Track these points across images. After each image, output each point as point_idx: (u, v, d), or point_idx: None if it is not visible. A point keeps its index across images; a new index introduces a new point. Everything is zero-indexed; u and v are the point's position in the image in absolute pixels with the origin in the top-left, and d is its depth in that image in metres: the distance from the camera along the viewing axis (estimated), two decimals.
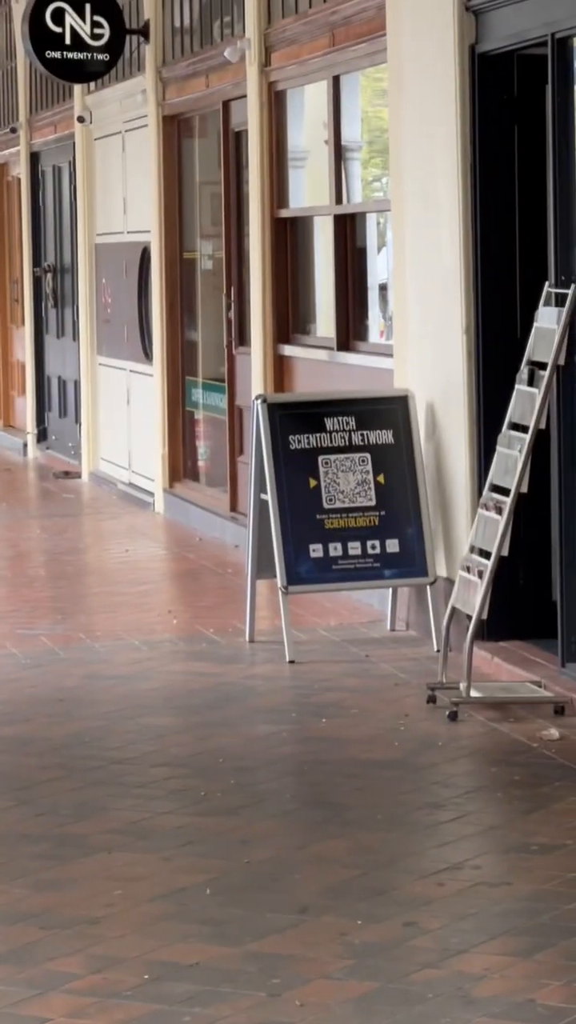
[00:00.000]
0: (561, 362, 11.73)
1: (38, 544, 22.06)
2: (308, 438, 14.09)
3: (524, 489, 11.91)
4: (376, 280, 15.93)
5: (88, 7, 19.92)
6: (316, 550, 13.94)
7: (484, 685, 12.12)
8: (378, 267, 15.95)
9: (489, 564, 11.95)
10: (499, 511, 11.96)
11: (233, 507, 18.68)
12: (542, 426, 11.91)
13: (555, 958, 6.90)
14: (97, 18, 19.77)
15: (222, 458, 19.59)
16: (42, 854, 8.83)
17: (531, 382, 12.08)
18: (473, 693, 11.70)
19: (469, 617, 12.00)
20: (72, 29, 19.51)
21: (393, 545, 13.94)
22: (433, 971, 6.68)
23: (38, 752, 11.38)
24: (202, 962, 6.89)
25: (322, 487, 13.86)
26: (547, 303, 12.04)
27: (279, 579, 13.75)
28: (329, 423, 14.13)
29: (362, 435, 14.07)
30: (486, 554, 12.09)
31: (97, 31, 19.83)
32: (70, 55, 19.82)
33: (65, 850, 8.92)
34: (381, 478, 13.92)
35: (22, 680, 13.59)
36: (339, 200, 16.66)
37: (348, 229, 16.53)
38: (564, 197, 12.25)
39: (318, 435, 14.09)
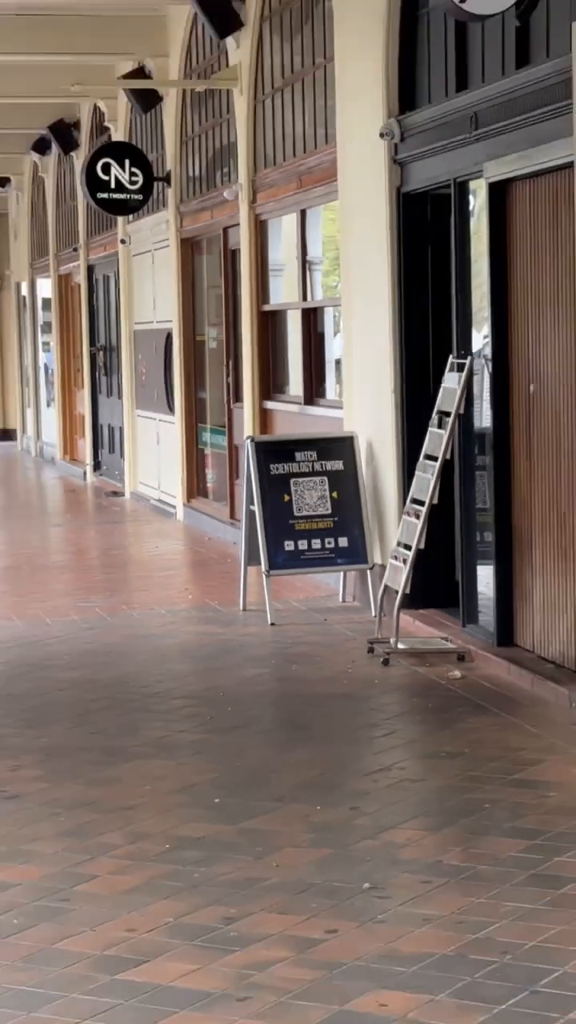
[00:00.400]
0: (461, 412, 11.74)
1: (93, 543, 22.16)
2: (283, 466, 14.10)
3: (435, 501, 11.91)
4: (332, 355, 16.05)
5: (127, 161, 20.37)
6: (289, 545, 13.95)
7: (407, 640, 12.19)
8: (333, 346, 16.06)
9: (410, 554, 12.03)
10: (417, 517, 12.02)
11: (231, 515, 18.83)
12: (448, 457, 11.85)
13: (457, 832, 7.47)
14: (134, 169, 20.24)
15: (223, 481, 19.84)
16: (94, 761, 9.15)
17: (439, 426, 12.00)
18: (400, 646, 11.88)
19: (396, 592, 12.16)
20: (116, 177, 20.08)
21: (343, 541, 14.01)
22: (370, 841, 7.24)
23: (92, 689, 11.53)
24: (207, 836, 7.34)
25: (293, 501, 13.91)
26: (451, 370, 12.00)
27: (263, 566, 13.78)
28: (298, 455, 14.17)
29: (321, 464, 14.07)
30: (408, 547, 12.13)
31: (134, 179, 20.31)
32: (115, 196, 20.39)
33: (111, 758, 9.20)
34: (335, 494, 13.98)
35: (81, 638, 13.77)
36: (305, 298, 17.11)
37: (312, 319, 16.95)
38: (463, 296, 12.45)
39: (290, 464, 14.12)
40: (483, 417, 12.20)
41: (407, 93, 13.19)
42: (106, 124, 24.64)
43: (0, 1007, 4.75)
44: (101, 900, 6.09)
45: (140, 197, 20.82)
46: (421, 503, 11.95)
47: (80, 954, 5.33)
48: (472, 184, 12.20)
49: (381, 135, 13.31)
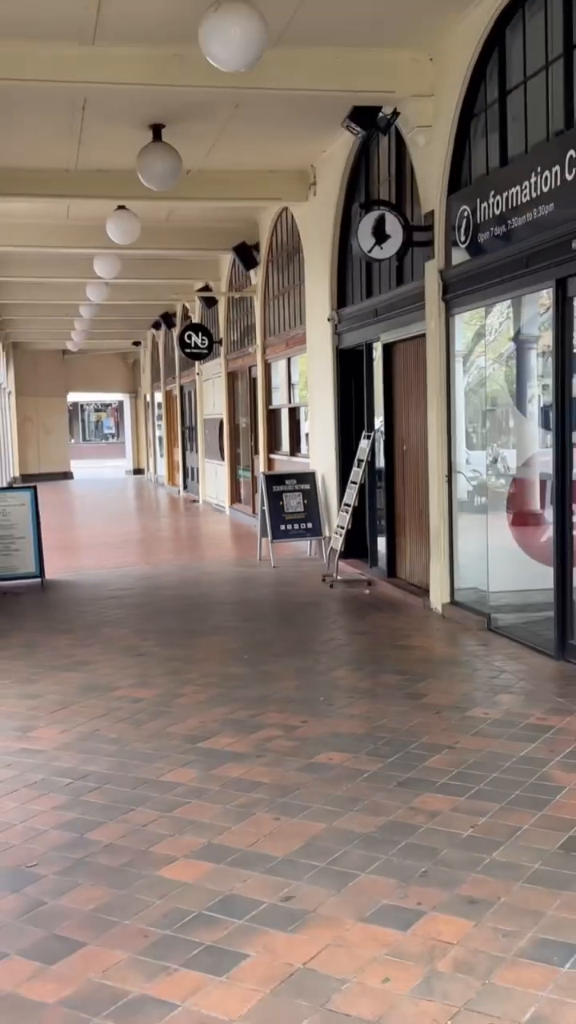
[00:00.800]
0: (368, 459, 11.90)
1: (182, 526, 21.48)
2: (279, 487, 13.94)
3: (356, 504, 11.97)
4: (303, 431, 16.36)
5: (200, 333, 20.79)
6: (282, 527, 13.79)
7: (342, 574, 12.22)
8: (304, 426, 15.86)
9: (343, 531, 12.16)
10: (347, 512, 12.07)
11: (252, 512, 18.57)
12: (362, 482, 11.96)
13: (367, 672, 7.66)
14: (203, 337, 20.24)
15: (249, 494, 19.80)
16: (184, 635, 9.24)
17: (358, 466, 12.04)
18: (338, 577, 11.92)
19: (337, 550, 12.33)
20: (195, 341, 20.23)
21: (310, 525, 13.90)
22: (322, 677, 7.43)
23: (182, 599, 11.47)
24: (240, 674, 7.50)
25: (284, 505, 13.79)
26: (363, 439, 12.07)
27: (269, 536, 13.75)
28: (287, 482, 14.03)
29: (298, 486, 13.94)
30: (342, 528, 12.20)
31: (203, 342, 20.32)
32: (193, 351, 20.46)
33: (191, 634, 9.28)
34: (306, 501, 13.84)
35: (171, 575, 13.50)
36: (290, 401, 16.96)
37: (294, 413, 16.91)
38: (370, 401, 12.50)
39: (282, 486, 13.96)
40: (380, 462, 12.19)
41: (341, 298, 13.36)
42: (188, 314, 25.29)
43: (132, 760, 5.37)
44: (186, 708, 6.49)
45: (206, 351, 20.99)
46: (349, 505, 12.16)
47: (175, 734, 5.87)
48: (374, 345, 12.20)
49: (328, 319, 13.46)
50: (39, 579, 12.66)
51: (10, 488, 13.52)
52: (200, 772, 5.09)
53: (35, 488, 13.06)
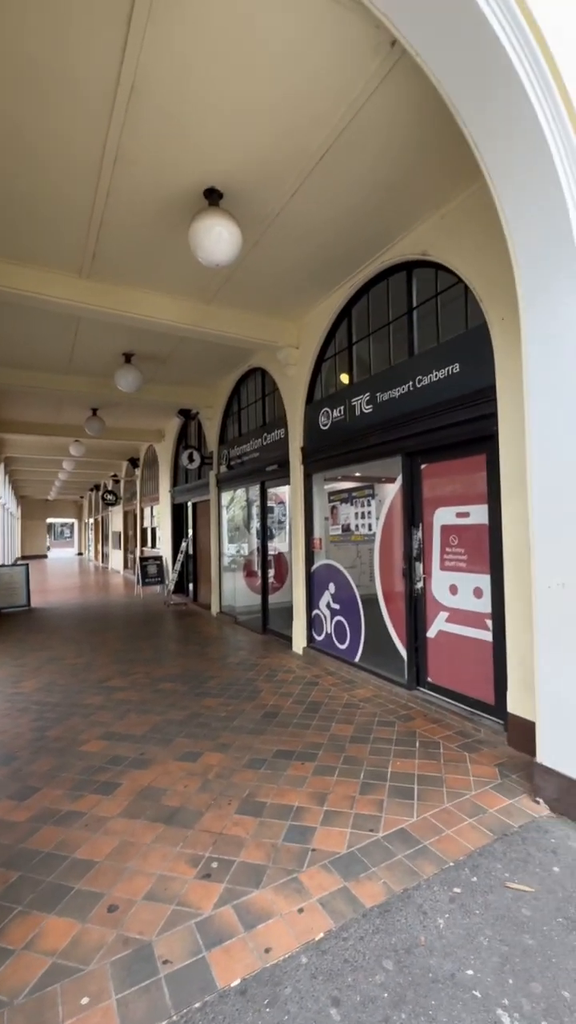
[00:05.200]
0: (185, 551, 10.36)
1: (99, 580, 15.44)
2: (146, 561, 11.54)
3: (179, 569, 10.40)
4: (158, 537, 12.42)
5: (110, 492, 16.51)
6: (147, 580, 11.31)
7: (174, 601, 10.60)
8: (158, 535, 12.48)
9: (174, 582, 10.48)
10: (175, 573, 10.43)
11: (133, 573, 13.64)
12: (183, 560, 10.44)
13: (185, 644, 6.61)
14: (111, 495, 16.66)
15: (132, 565, 14.83)
16: (97, 632, 7.53)
17: (180, 554, 10.41)
18: (172, 603, 10.41)
19: (170, 590, 10.82)
20: (108, 497, 16.58)
21: (160, 579, 11.43)
22: (163, 648, 6.37)
23: (97, 614, 8.96)
24: (123, 648, 6.43)
25: (147, 570, 11.38)
26: (183, 542, 10.51)
27: (140, 585, 11.40)
28: (150, 560, 11.68)
29: (155, 562, 11.59)
30: (173, 581, 10.68)
31: (112, 497, 16.67)
32: (108, 502, 16.55)
33: (102, 631, 7.66)
34: (158, 568, 11.47)
35: (94, 603, 10.24)
36: (152, 524, 13.44)
37: (154, 531, 13.08)
38: (186, 527, 10.78)
39: (148, 561, 11.59)
40: (190, 551, 10.70)
41: (175, 481, 11.03)
42: (106, 485, 18.90)
43: (70, 694, 4.49)
44: (99, 666, 5.57)
45: (114, 501, 16.34)
46: (176, 570, 10.46)
47: (92, 680, 4.97)
48: (189, 502, 10.19)
49: (168, 491, 11.42)
50: (28, 608, 10.94)
51: (15, 564, 12.33)
52: (103, 698, 4.53)
53: (27, 564, 11.72)
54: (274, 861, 2.04)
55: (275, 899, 1.81)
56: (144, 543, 14.88)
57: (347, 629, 4.99)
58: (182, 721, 3.82)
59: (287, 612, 6.39)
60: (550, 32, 2.08)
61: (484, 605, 3.54)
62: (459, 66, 2.13)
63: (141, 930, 1.71)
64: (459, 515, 3.74)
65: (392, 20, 2.08)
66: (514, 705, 3.13)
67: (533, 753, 2.82)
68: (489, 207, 3.33)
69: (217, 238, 3.24)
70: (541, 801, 2.37)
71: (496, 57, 2.04)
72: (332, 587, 5.24)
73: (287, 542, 6.35)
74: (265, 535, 6.91)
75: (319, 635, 5.46)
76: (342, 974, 1.47)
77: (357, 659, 4.81)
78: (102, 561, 24.73)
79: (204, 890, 1.92)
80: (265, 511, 6.90)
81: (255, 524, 7.34)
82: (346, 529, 5.02)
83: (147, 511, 14.65)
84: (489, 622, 3.49)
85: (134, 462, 14.85)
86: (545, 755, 2.43)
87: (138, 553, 14.72)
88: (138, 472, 15.05)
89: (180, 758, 3.17)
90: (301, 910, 1.77)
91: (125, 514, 17.78)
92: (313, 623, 5.57)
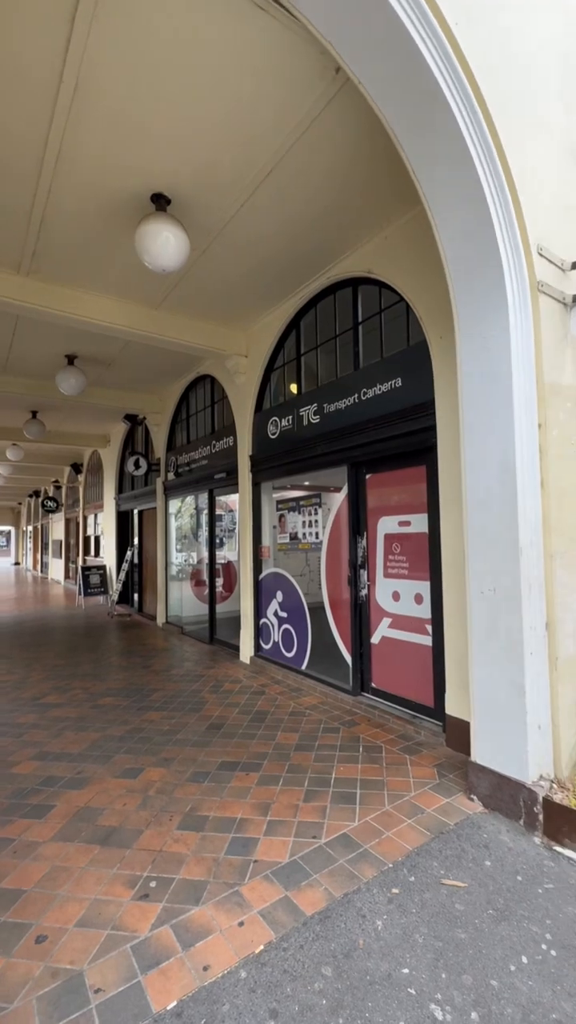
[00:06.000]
0: (130, 560, 10.02)
1: (37, 591, 14.67)
2: (88, 571, 11.19)
3: (124, 579, 10.09)
4: (102, 546, 11.99)
5: (50, 499, 15.68)
6: (89, 590, 10.79)
7: (118, 611, 10.48)
8: (102, 544, 12.26)
9: (119, 592, 10.21)
10: (120, 583, 10.08)
11: (75, 583, 13.88)
12: (128, 569, 10.20)
13: (129, 657, 6.50)
14: (52, 502, 15.76)
15: (74, 574, 15.02)
16: (32, 646, 7.18)
17: (125, 563, 10.11)
18: (116, 613, 10.24)
19: (114, 600, 10.37)
20: (47, 504, 15.80)
21: (103, 590, 11.03)
22: (104, 661, 6.34)
23: (35, 626, 8.59)
24: (61, 663, 6.21)
25: (90, 579, 10.86)
26: (128, 551, 10.25)
27: (82, 595, 10.87)
28: (93, 569, 11.26)
29: (98, 571, 11.23)
30: (117, 591, 10.19)
31: (53, 504, 15.76)
32: (48, 509, 15.77)
33: (38, 645, 7.23)
34: (101, 577, 11.13)
35: (32, 615, 9.90)
36: (95, 532, 12.87)
37: (98, 539, 12.59)
38: (131, 535, 10.50)
39: (91, 571, 11.24)
40: (135, 560, 10.49)
41: (120, 489, 10.80)
42: (46, 491, 18.25)
43: (1, 713, 4.30)
44: (33, 683, 5.31)
45: (55, 509, 15.78)
46: (121, 580, 10.04)
47: (25, 698, 4.75)
48: (135, 510, 10.10)
49: (114, 498, 11.06)
50: None
51: None
52: (36, 715, 4.29)
53: None
54: (215, 876, 1.99)
55: (215, 915, 1.78)
56: (87, 552, 14.54)
57: (294, 637, 5.03)
58: (122, 737, 3.69)
59: (235, 621, 6.35)
60: (477, 67, 2.24)
61: (424, 611, 3.64)
62: (397, 95, 2.22)
63: (72, 959, 1.62)
64: (401, 524, 3.83)
65: (335, 48, 2.14)
66: (452, 707, 3.22)
67: (469, 752, 2.87)
68: (429, 231, 3.44)
69: (164, 243, 3.23)
70: (475, 798, 2.44)
71: (430, 89, 2.16)
72: (280, 595, 5.27)
73: (236, 551, 6.31)
74: (213, 543, 6.88)
75: (267, 644, 5.48)
76: (281, 985, 1.46)
77: (304, 667, 4.86)
78: (41, 571, 23.52)
79: (141, 912, 1.85)
80: (213, 519, 6.87)
81: (203, 532, 7.27)
82: (294, 537, 5.06)
83: (91, 519, 14.32)
84: (429, 627, 3.59)
85: (77, 468, 14.38)
86: (479, 754, 2.53)
87: (80, 562, 14.50)
88: (81, 478, 14.60)
89: (119, 775, 3.06)
90: (242, 923, 1.73)
91: (67, 521, 17.24)
92: (261, 632, 5.59)
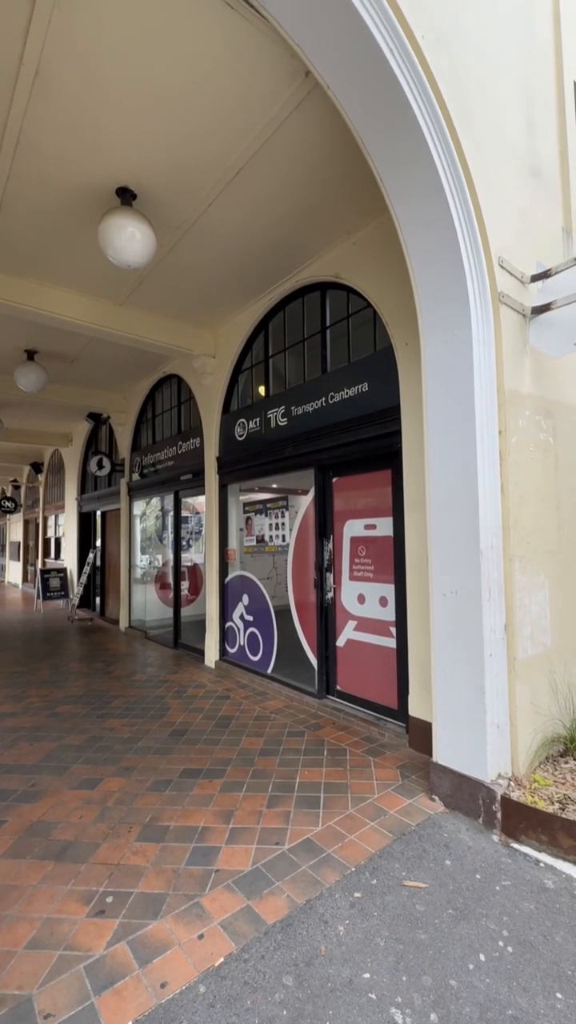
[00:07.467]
0: (92, 562, 10.03)
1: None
2: (48, 574, 10.92)
3: (85, 583, 10.08)
4: (63, 548, 11.68)
5: (9, 500, 14.87)
6: (49, 594, 10.56)
7: (79, 615, 10.19)
8: (63, 545, 12.04)
9: (79, 595, 9.99)
10: (81, 587, 9.97)
11: (34, 586, 13.94)
12: (90, 572, 10.16)
13: (90, 663, 6.34)
14: (10, 502, 14.96)
15: (33, 578, 14.78)
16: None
17: (87, 566, 10.03)
18: (76, 618, 9.87)
19: (75, 604, 10.28)
20: (5, 505, 14.91)
21: (64, 593, 10.93)
22: (63, 667, 6.15)
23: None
24: (18, 670, 5.99)
25: (50, 583, 10.75)
26: (90, 553, 10.12)
27: (41, 599, 10.62)
28: (53, 572, 11.04)
29: (58, 574, 11.05)
30: (78, 594, 10.00)
31: (11, 504, 14.99)
32: (5, 509, 14.85)
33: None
34: (61, 581, 10.95)
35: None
36: (56, 534, 12.94)
37: (59, 540, 12.84)
38: (93, 537, 10.38)
39: (50, 574, 10.97)
40: (98, 563, 10.05)
41: (83, 489, 10.68)
42: (3, 490, 17.25)
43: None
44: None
45: (13, 509, 14.95)
46: (82, 583, 10.01)
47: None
48: (97, 511, 10.07)
49: (75, 499, 10.93)
50: None
51: None
52: None
53: None
54: (175, 888, 1.94)
55: (174, 928, 1.73)
56: (47, 554, 14.26)
57: (260, 640, 5.01)
58: (80, 746, 3.55)
59: (200, 625, 6.27)
60: (442, 80, 2.34)
61: (389, 613, 3.68)
62: (363, 100, 2.27)
63: (20, 984, 1.53)
64: (367, 527, 3.86)
65: (304, 51, 2.18)
66: (415, 708, 3.27)
67: (431, 753, 2.91)
68: (396, 237, 3.49)
69: (129, 238, 3.18)
70: (437, 798, 2.49)
71: (395, 95, 2.21)
72: (246, 598, 5.26)
73: (203, 553, 6.25)
74: (179, 546, 6.81)
75: (232, 648, 5.46)
76: (241, 998, 1.45)
77: (270, 670, 4.85)
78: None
79: (96, 929, 1.77)
80: (179, 521, 6.82)
81: (169, 535, 7.20)
82: (261, 540, 5.05)
83: (51, 520, 14.08)
84: (393, 629, 3.62)
85: (37, 467, 14.05)
86: (440, 754, 2.58)
87: (40, 565, 14.19)
88: (41, 478, 14.29)
89: (76, 786, 2.95)
90: (202, 936, 1.70)
91: (26, 523, 16.83)
92: (226, 636, 5.57)
